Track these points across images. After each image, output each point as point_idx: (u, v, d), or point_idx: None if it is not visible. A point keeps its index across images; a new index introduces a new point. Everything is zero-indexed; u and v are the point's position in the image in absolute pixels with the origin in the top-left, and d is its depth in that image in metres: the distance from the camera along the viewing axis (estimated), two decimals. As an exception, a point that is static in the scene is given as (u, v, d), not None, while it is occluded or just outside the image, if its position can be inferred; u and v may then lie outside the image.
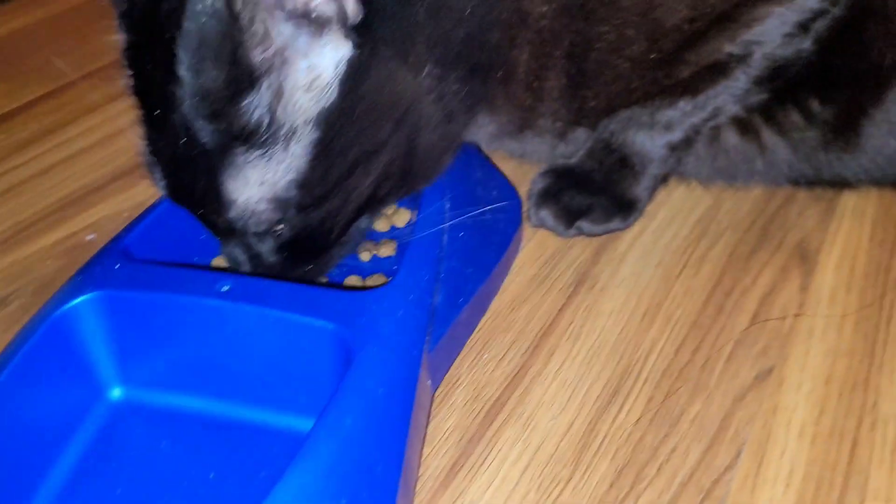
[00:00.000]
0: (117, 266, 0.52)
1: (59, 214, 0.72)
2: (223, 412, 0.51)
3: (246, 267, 0.54)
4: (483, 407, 0.53)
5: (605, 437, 0.50)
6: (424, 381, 0.48)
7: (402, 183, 0.54)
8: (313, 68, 0.47)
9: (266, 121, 0.47)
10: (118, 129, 0.84)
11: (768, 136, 0.65)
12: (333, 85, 0.48)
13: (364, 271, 0.61)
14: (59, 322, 0.49)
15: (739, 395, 0.53)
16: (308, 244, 0.53)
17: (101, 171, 0.78)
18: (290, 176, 0.49)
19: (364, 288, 0.58)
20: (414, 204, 0.64)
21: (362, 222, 0.56)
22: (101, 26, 1.04)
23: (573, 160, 0.68)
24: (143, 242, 0.56)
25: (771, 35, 0.57)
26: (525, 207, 0.67)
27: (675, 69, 0.58)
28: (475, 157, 0.67)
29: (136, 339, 0.51)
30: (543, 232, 0.67)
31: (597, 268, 0.63)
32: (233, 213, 0.50)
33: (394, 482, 0.42)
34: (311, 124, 0.48)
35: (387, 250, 0.63)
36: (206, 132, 0.47)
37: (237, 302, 0.48)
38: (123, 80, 0.53)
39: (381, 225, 0.64)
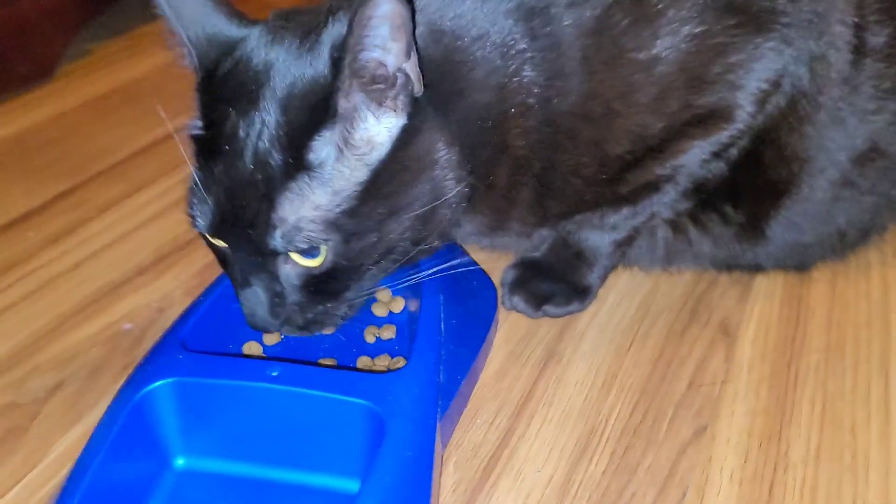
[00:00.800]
0: (180, 357, 0.63)
1: (95, 306, 0.83)
2: (273, 476, 0.62)
3: (263, 308, 0.63)
4: (480, 463, 0.65)
5: (579, 485, 0.63)
6: (438, 445, 0.60)
7: (416, 240, 0.65)
8: (375, 126, 0.60)
9: (332, 157, 0.59)
10: (136, 225, 0.95)
11: (694, 233, 0.80)
12: (387, 143, 0.61)
13: (370, 352, 0.74)
14: (139, 405, 0.60)
15: (682, 448, 0.66)
16: (335, 280, 0.63)
17: (126, 265, 0.88)
18: (342, 206, 0.60)
19: (376, 369, 0.71)
20: (409, 293, 0.77)
21: (377, 274, 0.66)
22: (108, 123, 1.16)
23: (537, 254, 0.82)
24: (194, 334, 0.67)
25: (691, 161, 0.72)
26: (499, 294, 0.81)
27: (618, 186, 0.72)
28: (458, 251, 0.81)
29: (199, 416, 0.62)
30: (515, 314, 0.81)
31: (561, 344, 0.77)
32: (281, 231, 0.59)
33: (425, 526, 0.55)
34: (366, 169, 0.60)
35: (388, 333, 0.76)
36: (276, 161, 0.59)
37: (285, 385, 0.60)
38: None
39: (380, 311, 0.77)
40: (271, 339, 0.74)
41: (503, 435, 0.68)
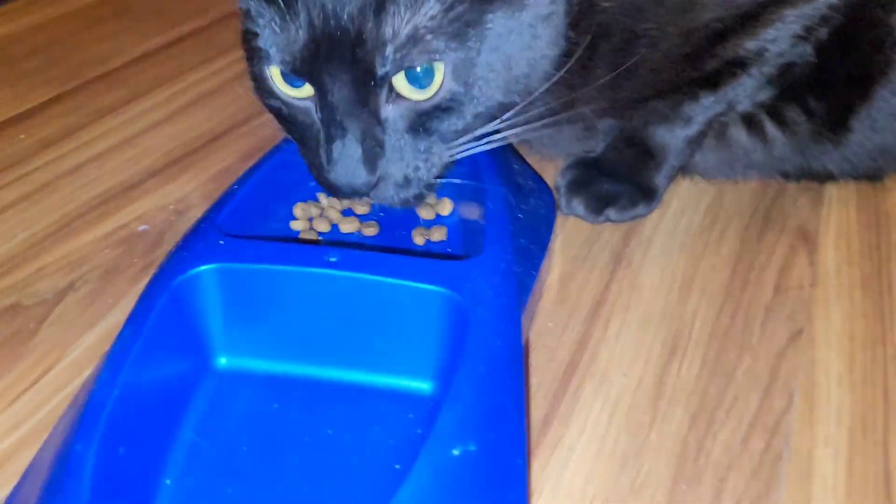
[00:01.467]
0: (221, 241, 0.55)
1: (102, 209, 0.73)
2: (330, 377, 0.54)
3: (356, 161, 0.54)
4: (560, 367, 0.58)
5: (672, 388, 0.56)
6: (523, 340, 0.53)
7: (519, 86, 0.58)
8: None
9: None
10: (140, 130, 0.86)
11: (771, 129, 0.73)
12: None
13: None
14: (176, 294, 0.52)
15: (780, 351, 0.60)
16: (444, 114, 0.55)
17: (133, 169, 0.79)
18: (460, 7, 0.52)
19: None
20: (458, 196, 0.69)
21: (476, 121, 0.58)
22: (98, 33, 1.06)
23: (596, 153, 0.74)
24: (231, 220, 0.59)
25: (784, 35, 0.65)
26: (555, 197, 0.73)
27: (702, 62, 0.65)
28: (510, 150, 0.73)
29: (245, 309, 0.54)
30: (571, 220, 0.73)
31: (628, 249, 0.70)
32: (393, 46, 0.51)
33: (521, 421, 0.47)
34: None
35: (439, 234, 0.68)
36: None
37: (347, 270, 0.52)
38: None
39: (426, 213, 0.69)
40: (308, 238, 0.66)
41: (580, 339, 0.61)
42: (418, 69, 0.53)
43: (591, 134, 0.73)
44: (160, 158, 0.81)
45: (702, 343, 0.60)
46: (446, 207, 0.70)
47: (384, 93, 0.54)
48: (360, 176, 0.55)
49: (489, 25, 0.54)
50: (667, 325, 0.62)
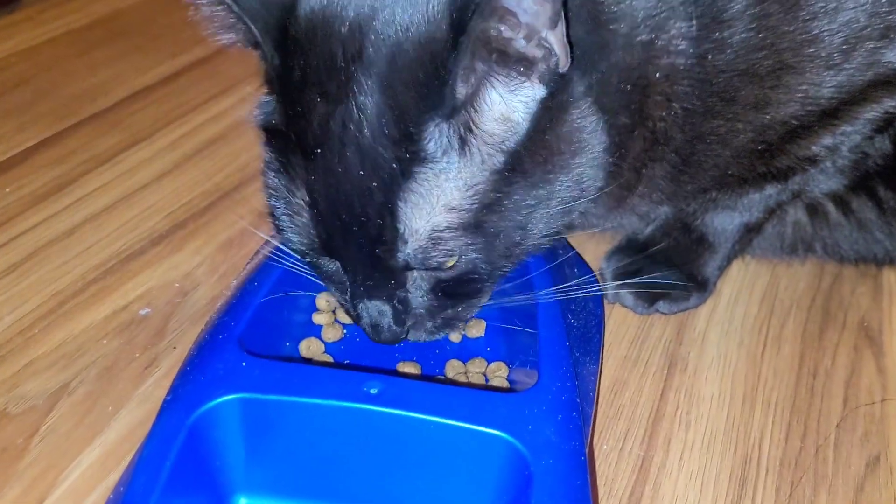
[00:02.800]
0: (244, 364, 0.48)
1: (100, 284, 0.66)
2: (368, 525, 0.48)
3: (387, 319, 0.52)
4: (620, 503, 0.52)
5: (747, 534, 0.50)
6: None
7: (557, 230, 0.52)
8: (507, 100, 0.46)
9: (457, 144, 0.46)
10: (141, 183, 0.78)
11: (835, 217, 0.67)
12: (526, 120, 0.47)
13: (457, 354, 0.60)
14: (195, 428, 0.45)
15: (858, 485, 0.54)
16: (468, 282, 0.51)
17: (133, 233, 0.72)
18: (480, 202, 0.47)
19: (472, 377, 0.57)
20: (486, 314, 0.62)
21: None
22: (91, 61, 0.98)
23: (644, 236, 0.68)
24: (251, 329, 0.52)
25: (862, 130, 0.59)
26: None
27: (774, 159, 0.59)
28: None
29: (268, 443, 0.47)
30: (617, 308, 0.67)
31: (682, 348, 0.64)
32: (413, 246, 0.47)
33: None
34: (501, 154, 0.47)
35: (476, 330, 0.61)
36: (387, 158, 0.45)
37: (389, 406, 0.46)
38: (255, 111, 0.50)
39: (454, 336, 0.61)
40: (332, 333, 0.59)
41: (639, 464, 0.54)
42: None
43: (643, 219, 0.66)
44: (163, 221, 0.73)
45: (773, 472, 0.54)
46: (479, 330, 0.62)
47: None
48: (389, 331, 0.52)
49: (512, 205, 0.49)
50: (732, 449, 0.56)
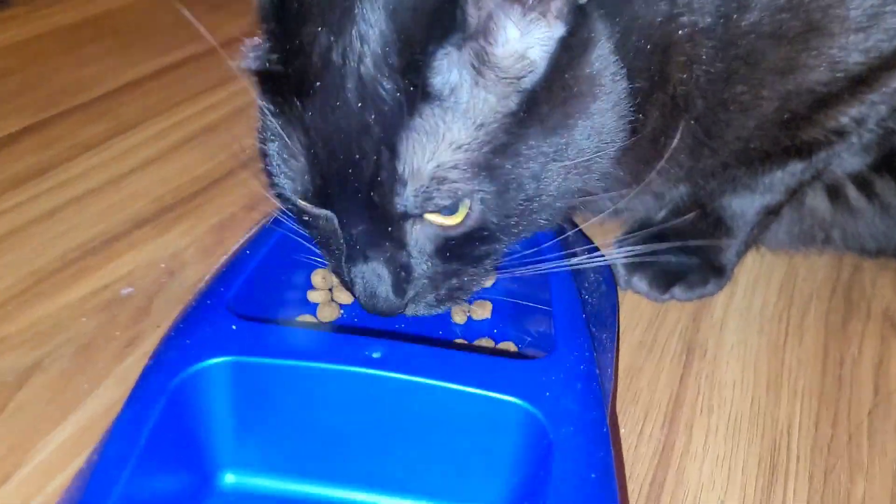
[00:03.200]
0: (234, 327, 0.44)
1: (80, 265, 0.62)
2: None
3: (385, 287, 0.47)
4: (641, 489, 0.48)
5: (781, 521, 0.46)
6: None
7: (572, 192, 0.48)
8: (522, 38, 0.43)
9: (468, 80, 0.42)
10: (126, 170, 0.74)
11: (857, 200, 0.64)
12: (544, 60, 0.44)
13: (462, 334, 0.56)
14: (178, 394, 0.40)
15: (896, 472, 0.50)
16: (477, 242, 0.47)
17: (118, 216, 0.68)
18: (492, 142, 0.44)
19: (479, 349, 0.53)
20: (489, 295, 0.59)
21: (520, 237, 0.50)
22: (80, 56, 0.95)
23: (657, 219, 0.65)
24: (242, 291, 0.48)
25: (888, 99, 0.56)
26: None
27: (799, 130, 0.56)
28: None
29: (261, 413, 0.43)
30: (630, 296, 0.63)
31: (700, 335, 0.60)
32: (414, 186, 0.43)
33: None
34: (517, 94, 0.44)
35: (482, 311, 0.58)
36: (389, 91, 0.42)
37: (394, 371, 0.42)
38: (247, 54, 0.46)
39: (458, 317, 0.58)
40: (328, 312, 0.55)
41: (660, 449, 0.50)
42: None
43: (657, 201, 0.63)
44: (149, 205, 0.69)
45: (804, 459, 0.50)
46: (485, 311, 0.58)
47: (410, 221, 0.45)
48: (387, 301, 0.47)
49: (526, 151, 0.45)
50: (760, 435, 0.52)
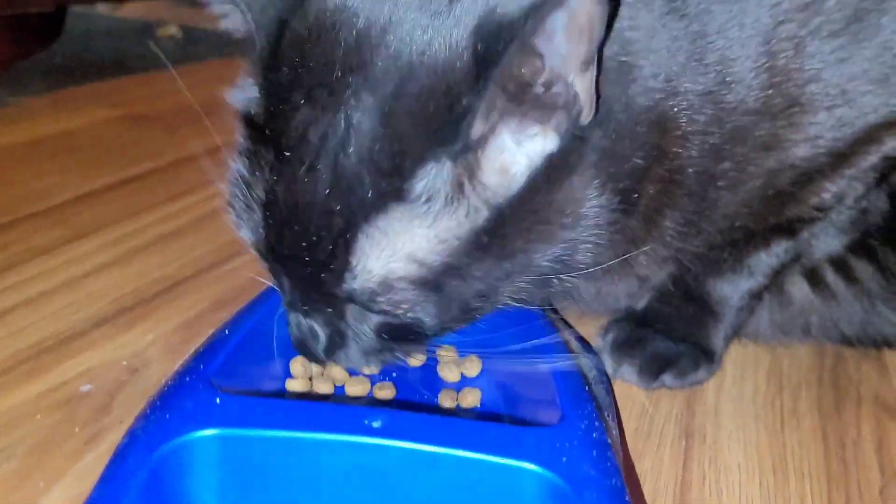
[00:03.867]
0: (218, 400, 0.40)
1: (35, 362, 0.57)
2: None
3: (318, 345, 0.47)
4: (662, 574, 0.44)
5: None
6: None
7: (526, 298, 0.47)
8: (512, 152, 0.42)
9: (446, 191, 0.41)
10: (83, 273, 0.71)
11: (836, 284, 0.64)
12: (524, 175, 0.42)
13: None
14: (160, 467, 0.36)
15: (918, 551, 0.47)
16: (413, 331, 0.46)
17: (75, 316, 0.64)
18: (446, 259, 0.42)
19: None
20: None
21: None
22: (38, 170, 0.92)
23: (642, 306, 0.64)
24: (223, 375, 0.44)
25: (865, 179, 0.57)
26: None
27: (784, 207, 0.56)
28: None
29: (249, 491, 0.39)
30: (620, 385, 0.61)
31: (696, 420, 0.58)
32: (360, 284, 0.42)
33: None
34: (486, 210, 0.42)
35: (472, 399, 0.54)
36: (366, 187, 0.40)
37: (397, 439, 0.38)
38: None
39: (449, 374, 0.55)
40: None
41: (674, 533, 0.47)
42: None
43: (641, 286, 0.62)
44: (108, 306, 0.66)
45: (824, 541, 0.47)
46: (475, 368, 0.56)
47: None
48: (312, 356, 0.48)
49: (478, 273, 0.44)
50: (775, 517, 0.49)
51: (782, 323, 0.67)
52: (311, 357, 0.48)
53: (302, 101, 0.42)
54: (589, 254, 0.47)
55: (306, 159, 0.41)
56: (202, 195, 0.89)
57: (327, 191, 0.41)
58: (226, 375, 0.44)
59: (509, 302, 0.47)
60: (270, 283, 0.52)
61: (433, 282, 0.43)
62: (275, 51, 0.43)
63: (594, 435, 0.41)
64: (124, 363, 0.58)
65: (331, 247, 0.42)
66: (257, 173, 0.44)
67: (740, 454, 0.55)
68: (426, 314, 0.44)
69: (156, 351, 0.60)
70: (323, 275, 0.43)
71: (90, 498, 0.34)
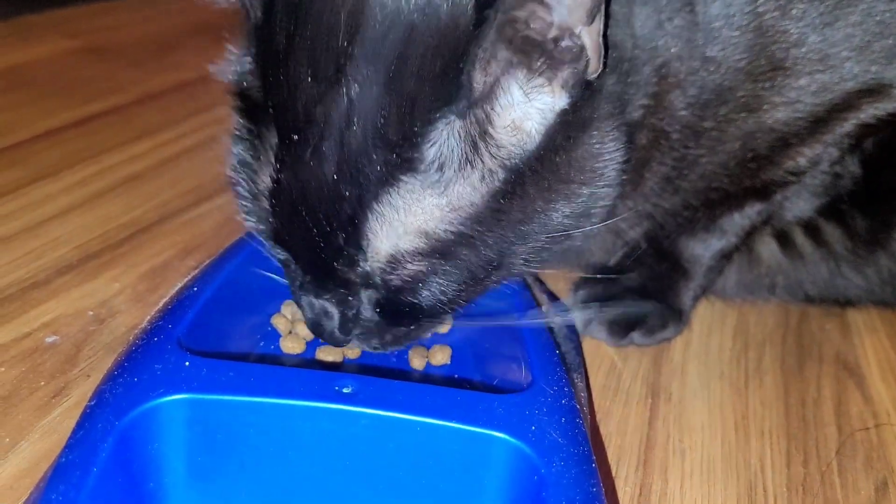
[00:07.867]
0: (188, 363, 0.39)
1: (-4, 312, 0.56)
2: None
3: (331, 324, 0.46)
4: (625, 533, 0.45)
5: (768, 563, 0.44)
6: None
7: (537, 262, 0.46)
8: (522, 105, 0.40)
9: (458, 155, 0.40)
10: (46, 216, 0.69)
11: (804, 246, 0.65)
12: (539, 133, 0.41)
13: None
14: (126, 434, 0.36)
15: (873, 509, 0.49)
16: (426, 307, 0.45)
17: (38, 263, 0.62)
18: (457, 228, 0.41)
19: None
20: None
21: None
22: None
23: (613, 263, 0.64)
24: (192, 334, 0.44)
25: (841, 143, 0.57)
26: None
27: (760, 170, 0.56)
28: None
29: (219, 458, 0.39)
30: (588, 341, 0.62)
31: (663, 378, 0.59)
32: (369, 265, 0.42)
33: None
34: (502, 172, 0.41)
35: (442, 357, 0.54)
36: (379, 162, 0.39)
37: (370, 407, 0.38)
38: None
39: (416, 363, 0.55)
40: (291, 345, 0.52)
41: (637, 493, 0.48)
42: None
43: (616, 241, 0.62)
44: (73, 251, 0.64)
45: (782, 498, 0.49)
46: (444, 356, 0.55)
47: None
48: (331, 336, 0.47)
49: (491, 240, 0.43)
50: (735, 476, 0.50)
51: (749, 282, 0.68)
52: (328, 338, 0.46)
53: (306, 73, 0.39)
54: (604, 208, 0.46)
55: (312, 141, 0.39)
56: (170, 134, 0.87)
57: (335, 175, 0.39)
58: (195, 334, 0.44)
59: (520, 271, 0.47)
60: (242, 233, 0.52)
61: (442, 252, 0.42)
62: (268, 15, 0.41)
63: (563, 401, 0.42)
64: (90, 313, 0.57)
65: (342, 233, 0.41)
66: (262, 157, 0.42)
67: (704, 413, 0.56)
68: (436, 286, 0.43)
69: (123, 300, 0.59)
70: (335, 260, 0.42)
71: (57, 465, 0.34)
